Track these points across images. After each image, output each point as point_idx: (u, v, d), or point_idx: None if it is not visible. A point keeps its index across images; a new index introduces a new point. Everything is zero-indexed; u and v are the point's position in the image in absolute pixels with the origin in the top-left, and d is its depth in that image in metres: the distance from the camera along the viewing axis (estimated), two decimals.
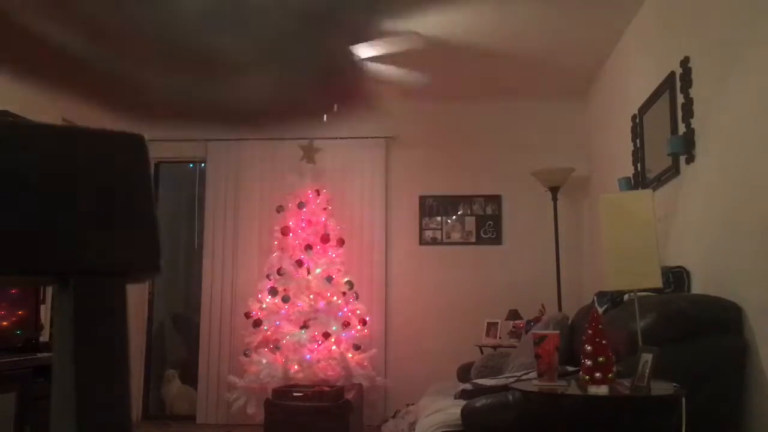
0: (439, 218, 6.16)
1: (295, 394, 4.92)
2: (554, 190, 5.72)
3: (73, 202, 0.79)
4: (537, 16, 4.51)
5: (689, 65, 3.48)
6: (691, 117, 3.44)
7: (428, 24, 4.61)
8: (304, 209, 5.62)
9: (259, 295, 5.53)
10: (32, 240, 0.75)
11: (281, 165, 6.15)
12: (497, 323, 5.52)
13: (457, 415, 3.09)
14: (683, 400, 2.40)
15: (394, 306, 6.03)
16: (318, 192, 5.72)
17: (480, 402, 3.00)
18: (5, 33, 4.41)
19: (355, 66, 5.14)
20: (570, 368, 3.08)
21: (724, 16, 3.12)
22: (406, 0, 4.26)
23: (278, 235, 5.63)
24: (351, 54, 4.85)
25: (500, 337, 5.43)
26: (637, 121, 4.40)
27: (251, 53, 4.94)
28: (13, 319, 4.07)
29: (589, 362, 2.55)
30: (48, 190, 0.78)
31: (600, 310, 3.58)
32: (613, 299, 3.62)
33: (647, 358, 2.45)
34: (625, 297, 3.46)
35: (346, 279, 5.54)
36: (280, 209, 5.73)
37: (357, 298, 5.62)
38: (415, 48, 4.84)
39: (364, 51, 4.87)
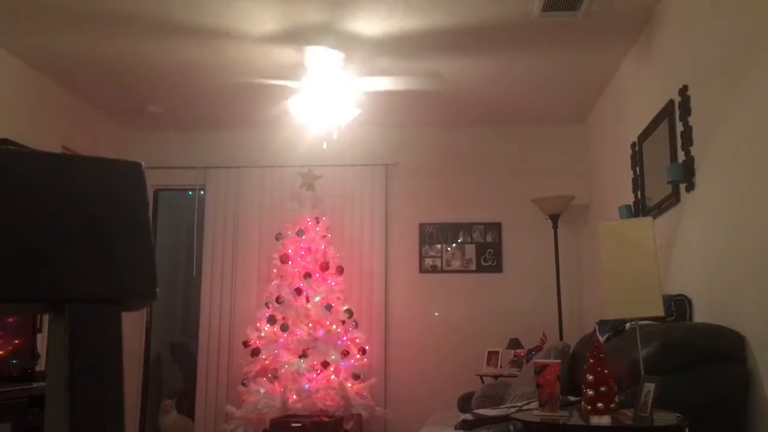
0: (439, 246, 6.15)
1: (293, 424, 4.86)
2: (554, 218, 5.71)
3: (69, 230, 0.79)
4: (537, 43, 4.55)
5: (688, 93, 3.50)
6: (691, 145, 3.45)
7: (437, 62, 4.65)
8: (304, 237, 5.61)
9: (258, 324, 5.49)
10: (27, 268, 0.74)
11: (280, 192, 6.15)
12: (498, 352, 5.48)
13: None
14: (686, 430, 2.37)
15: (393, 334, 5.99)
16: (317, 219, 5.71)
17: None
18: None
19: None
20: (572, 398, 3.05)
21: (722, 44, 3.14)
22: (412, 42, 4.31)
23: (277, 262, 5.61)
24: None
25: (501, 367, 5.38)
26: (637, 149, 4.41)
27: None
28: (9, 348, 4.03)
29: (591, 392, 2.52)
30: (45, 218, 0.77)
31: (601, 339, 3.55)
32: (615, 328, 3.59)
33: (649, 387, 2.43)
34: (627, 326, 3.43)
35: (345, 307, 5.50)
36: (279, 237, 5.72)
37: (356, 326, 5.59)
38: (435, 89, 4.92)
39: (373, 85, 4.90)
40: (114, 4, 3.97)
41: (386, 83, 5.05)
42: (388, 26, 4.25)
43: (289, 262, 5.55)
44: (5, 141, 4.46)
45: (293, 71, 4.76)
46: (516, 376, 4.76)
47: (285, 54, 4.66)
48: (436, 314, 6.02)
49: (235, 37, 4.40)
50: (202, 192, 6.47)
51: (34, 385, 3.82)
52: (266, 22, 4.20)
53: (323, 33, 4.35)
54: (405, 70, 4.90)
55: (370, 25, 4.23)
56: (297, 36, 4.40)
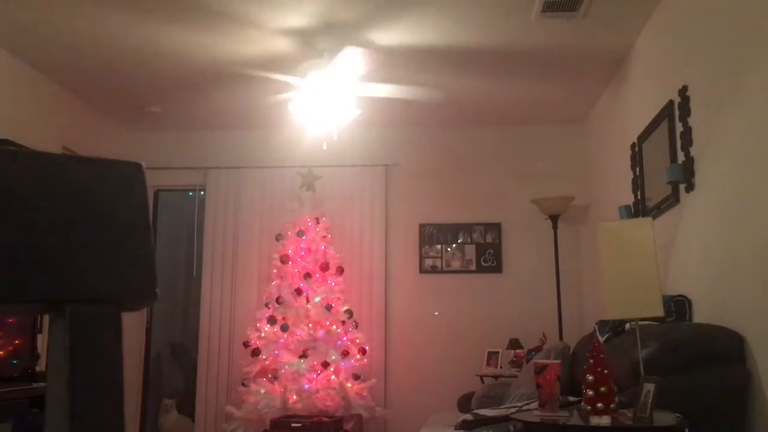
0: (439, 246, 6.15)
1: (293, 425, 4.86)
2: (554, 218, 5.72)
3: (69, 230, 0.79)
4: (537, 44, 4.55)
5: (687, 94, 3.50)
6: (690, 145, 3.45)
7: (423, 33, 4.65)
8: (304, 237, 5.61)
9: (258, 324, 5.49)
10: (27, 268, 0.74)
11: (281, 193, 6.15)
12: (498, 352, 5.48)
13: None
14: (686, 430, 2.37)
15: (393, 335, 5.99)
16: (317, 220, 5.72)
17: None
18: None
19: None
20: (572, 398, 3.05)
21: (722, 45, 3.14)
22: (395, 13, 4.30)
23: (277, 263, 5.61)
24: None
25: (501, 367, 5.38)
26: (637, 149, 4.41)
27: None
28: (10, 348, 4.03)
29: (590, 392, 2.52)
30: (45, 219, 0.77)
31: (601, 340, 3.55)
32: (615, 328, 3.59)
33: (649, 388, 2.43)
34: (627, 326, 3.43)
35: (345, 308, 5.51)
36: (279, 237, 5.72)
37: (356, 326, 5.59)
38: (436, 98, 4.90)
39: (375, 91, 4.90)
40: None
41: (387, 90, 5.07)
42: (399, 37, 4.25)
43: (289, 263, 5.56)
44: (5, 141, 4.46)
45: (296, 67, 4.75)
46: (516, 377, 4.76)
47: (291, 48, 4.65)
48: (436, 314, 6.02)
49: (245, 25, 4.41)
50: (202, 192, 6.47)
51: (35, 385, 3.82)
52: (291, 16, 4.21)
53: (334, 35, 4.37)
54: (406, 78, 4.91)
55: (382, 33, 4.24)
56: (310, 32, 4.41)
